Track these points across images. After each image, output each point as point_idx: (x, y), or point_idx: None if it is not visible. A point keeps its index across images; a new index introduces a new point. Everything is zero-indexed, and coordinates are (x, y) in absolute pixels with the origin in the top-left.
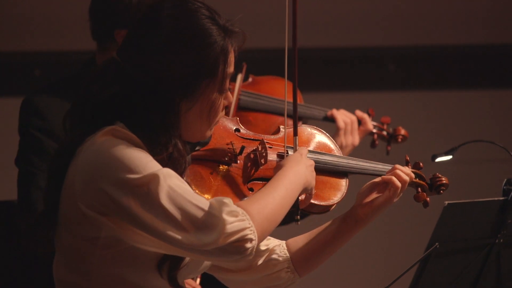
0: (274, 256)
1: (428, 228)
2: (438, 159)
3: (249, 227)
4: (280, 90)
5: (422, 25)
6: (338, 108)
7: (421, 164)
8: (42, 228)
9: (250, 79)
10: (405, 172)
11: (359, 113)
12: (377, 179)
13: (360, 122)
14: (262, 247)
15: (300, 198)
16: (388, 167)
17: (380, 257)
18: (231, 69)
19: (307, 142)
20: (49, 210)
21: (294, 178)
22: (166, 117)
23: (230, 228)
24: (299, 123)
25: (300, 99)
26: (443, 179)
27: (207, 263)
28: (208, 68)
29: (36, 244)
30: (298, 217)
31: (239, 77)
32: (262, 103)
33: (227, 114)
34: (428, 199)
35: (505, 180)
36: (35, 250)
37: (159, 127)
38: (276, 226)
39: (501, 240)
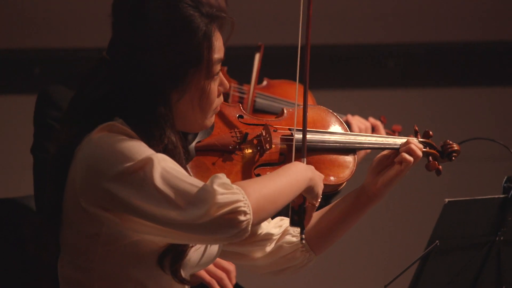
0: (288, 236)
1: (428, 225)
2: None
3: (242, 200)
4: (294, 94)
5: (422, 22)
6: (337, 108)
7: (430, 132)
8: (47, 232)
9: (264, 82)
10: (418, 146)
11: (372, 120)
12: (386, 152)
13: (373, 129)
14: (276, 230)
15: (304, 208)
16: (396, 139)
17: (380, 254)
18: (218, 54)
19: (313, 121)
20: (52, 212)
21: (299, 171)
22: (157, 109)
23: (221, 198)
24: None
25: (313, 103)
26: (454, 145)
27: (212, 255)
28: (192, 55)
29: (42, 249)
30: (303, 236)
31: (257, 57)
32: (277, 106)
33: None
34: (440, 167)
35: (505, 177)
36: (41, 255)
37: (151, 120)
38: (275, 209)
39: (502, 238)
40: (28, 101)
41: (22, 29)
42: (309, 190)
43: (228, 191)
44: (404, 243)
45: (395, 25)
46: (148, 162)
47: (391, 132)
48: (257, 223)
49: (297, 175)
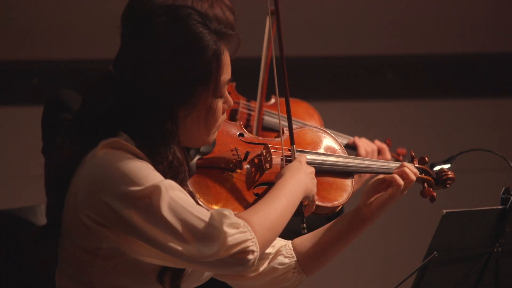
0: (280, 257)
1: (426, 236)
2: (437, 168)
3: (250, 239)
4: (302, 112)
5: (420, 34)
6: (336, 119)
7: (426, 159)
8: (46, 243)
9: (272, 100)
10: (412, 171)
11: (378, 142)
12: (381, 176)
13: (379, 151)
14: (268, 249)
15: (304, 206)
16: (393, 164)
17: (378, 266)
18: (227, 73)
19: (312, 143)
20: (52, 223)
21: (294, 187)
22: (164, 125)
23: (231, 240)
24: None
25: (320, 123)
26: (449, 173)
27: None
28: (201, 73)
29: (40, 260)
30: (304, 225)
31: (268, 21)
32: (284, 123)
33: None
34: (435, 194)
35: (503, 189)
36: (38, 267)
37: (157, 136)
38: (276, 236)
39: (499, 249)
40: (27, 112)
41: (21, 40)
42: (305, 198)
43: (237, 230)
44: (402, 254)
45: (394, 37)
46: (155, 190)
47: (395, 155)
48: (261, 255)
49: (292, 195)
